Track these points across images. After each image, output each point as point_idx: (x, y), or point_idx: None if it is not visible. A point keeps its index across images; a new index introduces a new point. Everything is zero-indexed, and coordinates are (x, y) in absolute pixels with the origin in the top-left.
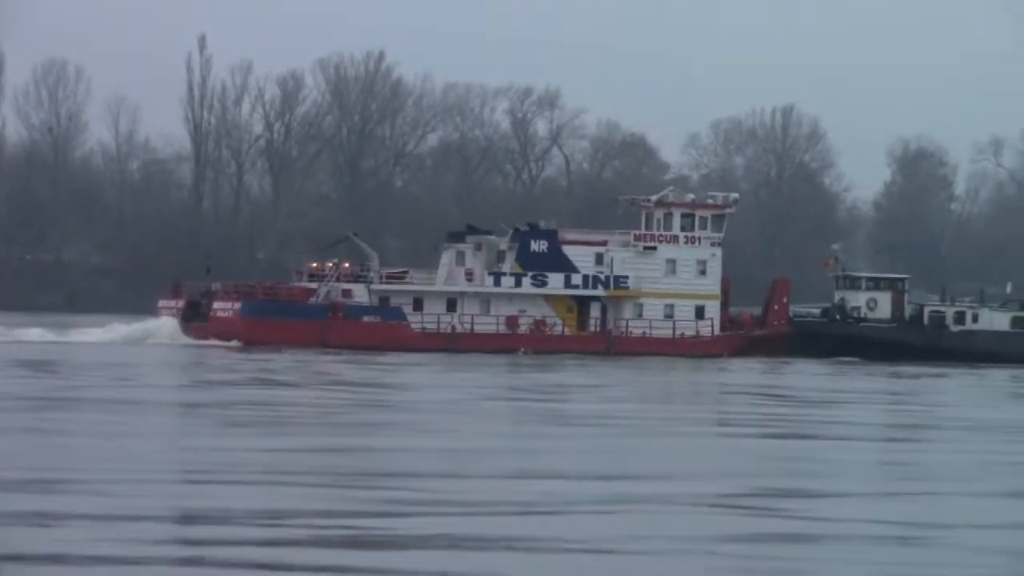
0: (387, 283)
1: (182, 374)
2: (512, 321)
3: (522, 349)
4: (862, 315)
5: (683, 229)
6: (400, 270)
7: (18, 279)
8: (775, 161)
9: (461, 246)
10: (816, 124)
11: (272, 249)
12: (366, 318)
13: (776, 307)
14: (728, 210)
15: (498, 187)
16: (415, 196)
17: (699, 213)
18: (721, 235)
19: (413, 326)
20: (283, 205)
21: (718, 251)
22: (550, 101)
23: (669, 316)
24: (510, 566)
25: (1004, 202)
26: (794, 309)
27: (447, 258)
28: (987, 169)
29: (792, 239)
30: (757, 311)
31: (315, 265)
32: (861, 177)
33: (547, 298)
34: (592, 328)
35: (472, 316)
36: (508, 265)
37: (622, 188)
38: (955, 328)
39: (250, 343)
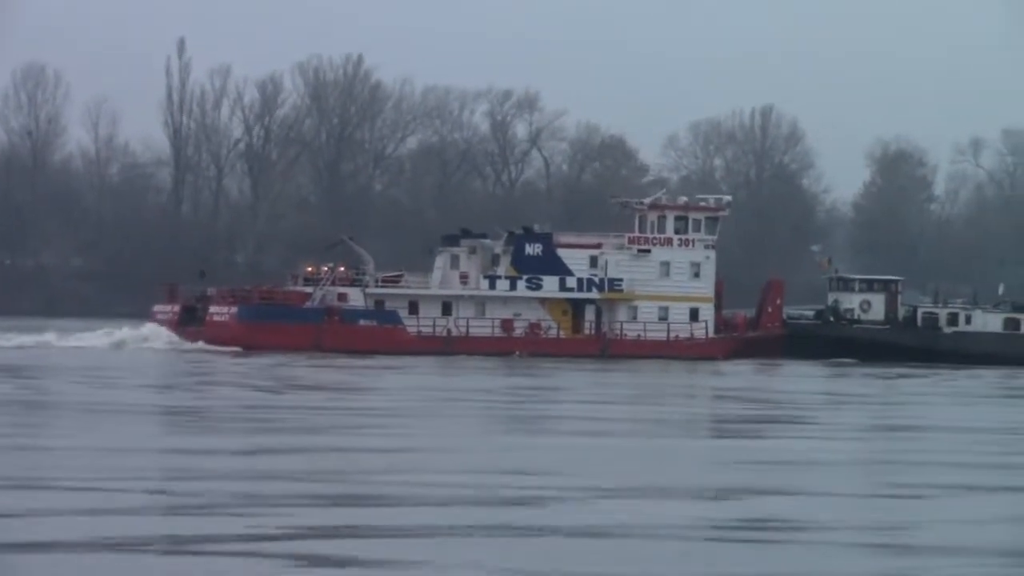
0: (382, 287)
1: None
2: (507, 324)
3: (517, 352)
4: (856, 317)
5: (677, 232)
6: (395, 273)
7: None
8: (754, 162)
9: (455, 249)
10: (795, 125)
11: (251, 252)
12: (362, 322)
13: (770, 309)
14: (721, 212)
15: (478, 190)
16: (394, 199)
17: (692, 216)
18: (715, 237)
19: (409, 329)
20: (262, 209)
21: (712, 253)
22: (529, 104)
23: (663, 318)
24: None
25: (983, 203)
26: (788, 311)
27: (441, 261)
28: (966, 170)
29: (771, 240)
30: (750, 313)
31: (310, 269)
32: (840, 178)
33: (542, 301)
34: (587, 331)
35: (467, 319)
36: (503, 268)
37: (601, 190)
38: (948, 330)
39: (247, 347)
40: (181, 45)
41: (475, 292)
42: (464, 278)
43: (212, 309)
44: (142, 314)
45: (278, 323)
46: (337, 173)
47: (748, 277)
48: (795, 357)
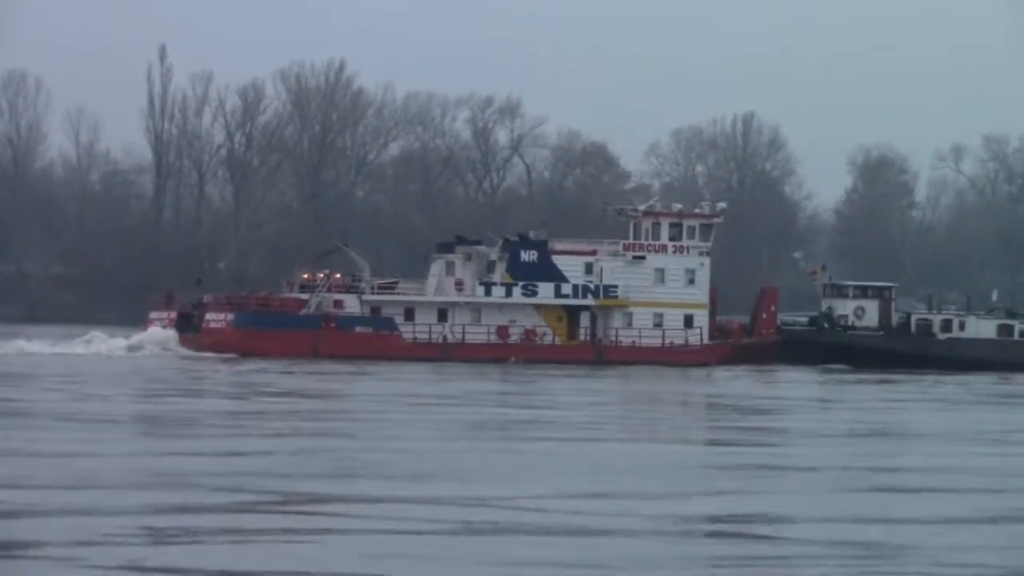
0: (379, 293)
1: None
2: (503, 331)
3: (512, 358)
4: (850, 323)
5: (671, 239)
6: (391, 280)
7: None
8: (736, 169)
9: (451, 256)
10: (777, 132)
11: (233, 259)
12: (358, 328)
13: (764, 316)
14: (716, 219)
15: (459, 196)
16: (377, 206)
17: (687, 222)
18: (709, 244)
19: (405, 336)
20: (244, 215)
21: (706, 260)
22: (511, 110)
23: (658, 325)
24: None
25: (964, 209)
26: (782, 317)
27: (437, 268)
28: (948, 176)
29: (753, 247)
30: (744, 319)
31: (306, 276)
32: (822, 185)
33: (537, 308)
34: (582, 337)
35: (463, 326)
36: (498, 275)
37: (583, 197)
38: (942, 336)
39: (244, 354)
40: (162, 52)
41: (471, 299)
42: (459, 285)
43: (208, 316)
44: (123, 321)
45: (275, 330)
46: (319, 180)
47: (730, 283)
48: (789, 363)
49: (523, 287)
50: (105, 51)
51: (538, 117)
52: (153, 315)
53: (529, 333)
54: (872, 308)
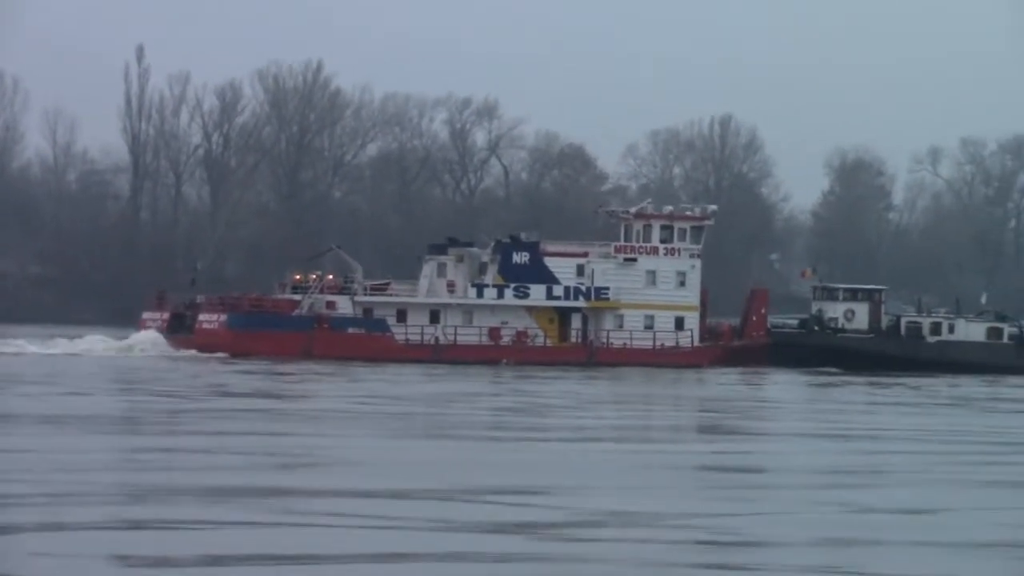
0: (371, 295)
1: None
2: (495, 332)
3: (504, 360)
4: (840, 326)
5: (662, 241)
6: (383, 282)
7: None
8: (713, 171)
9: (443, 258)
10: (754, 134)
11: (211, 260)
12: (351, 329)
13: (754, 318)
14: (707, 221)
15: (437, 197)
16: (354, 207)
17: (678, 225)
18: (700, 246)
19: (397, 337)
20: (222, 216)
21: (697, 262)
22: (488, 111)
23: (649, 327)
24: None
25: (941, 211)
26: (772, 320)
27: (428, 270)
28: (925, 179)
29: (729, 249)
30: (734, 321)
31: (298, 277)
32: (799, 187)
33: (529, 309)
34: (574, 339)
35: (455, 328)
36: (490, 277)
37: (560, 199)
38: (932, 339)
39: (237, 355)
40: (140, 52)
41: (463, 300)
42: (451, 286)
43: (202, 317)
44: (99, 321)
45: (268, 331)
46: (296, 181)
47: (709, 284)
48: (779, 366)
49: (515, 289)
50: (82, 51)
51: (516, 118)
52: (146, 315)
53: (521, 335)
54: (862, 311)
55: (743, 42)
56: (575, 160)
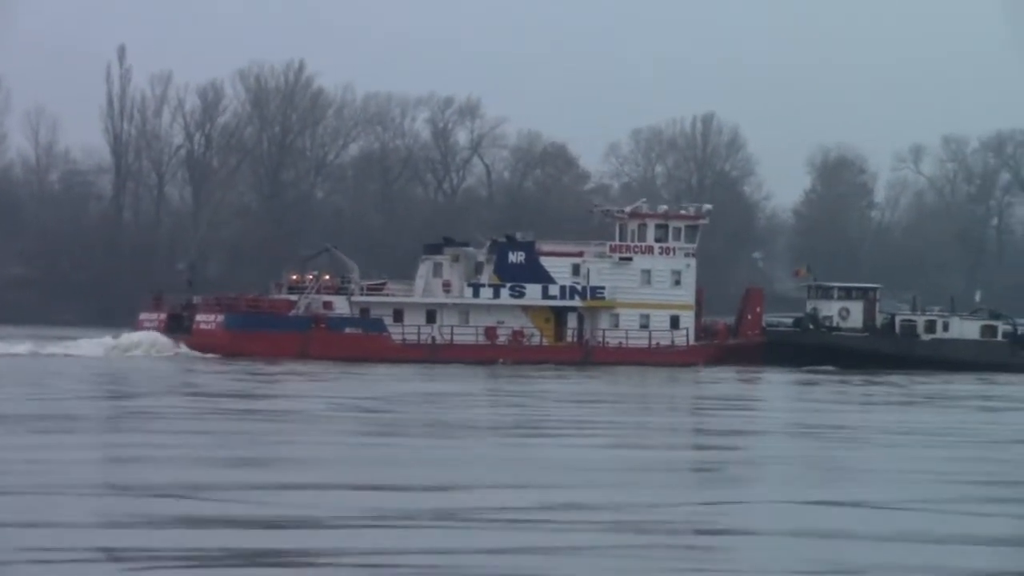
0: (368, 295)
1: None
2: (491, 332)
3: (500, 360)
4: (834, 324)
5: (657, 240)
6: (379, 282)
7: None
8: (695, 169)
9: (438, 258)
10: (736, 132)
11: (192, 259)
12: (347, 330)
13: (750, 317)
14: (701, 221)
15: (419, 197)
16: (336, 207)
17: (673, 224)
18: (695, 245)
19: (394, 337)
20: (204, 216)
21: (692, 261)
22: (471, 111)
23: (645, 326)
24: None
25: (923, 209)
26: (767, 318)
27: (424, 270)
28: (907, 177)
29: (712, 247)
30: (728, 320)
31: (295, 277)
32: (781, 185)
33: (525, 309)
34: (569, 338)
35: (452, 327)
36: (486, 276)
37: (543, 198)
38: (926, 337)
39: (234, 355)
40: (121, 52)
41: (459, 300)
42: (447, 286)
43: (199, 317)
44: (82, 322)
45: (264, 331)
46: (279, 181)
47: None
48: (774, 365)
49: (511, 288)
50: (64, 51)
51: (498, 118)
52: (143, 316)
53: (517, 334)
54: (857, 309)
55: (724, 42)
56: (557, 159)
